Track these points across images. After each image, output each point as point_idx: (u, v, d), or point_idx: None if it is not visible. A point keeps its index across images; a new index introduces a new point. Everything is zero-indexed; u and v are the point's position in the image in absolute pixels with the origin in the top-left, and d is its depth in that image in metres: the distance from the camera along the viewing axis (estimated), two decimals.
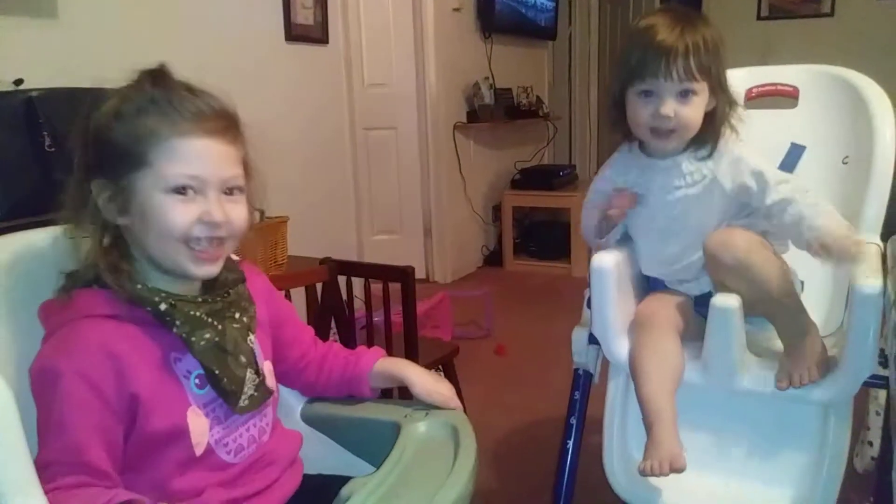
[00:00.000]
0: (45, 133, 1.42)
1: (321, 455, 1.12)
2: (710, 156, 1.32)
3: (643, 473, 1.17)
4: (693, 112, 1.27)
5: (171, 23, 2.28)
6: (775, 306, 1.25)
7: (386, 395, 1.17)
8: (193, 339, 0.90)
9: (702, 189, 1.32)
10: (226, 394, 0.92)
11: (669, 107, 1.25)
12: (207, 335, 0.91)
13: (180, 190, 0.88)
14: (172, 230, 0.88)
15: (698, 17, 1.28)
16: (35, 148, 1.42)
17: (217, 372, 0.91)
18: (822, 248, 1.15)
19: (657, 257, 1.41)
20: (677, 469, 1.15)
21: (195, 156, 0.88)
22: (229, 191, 0.92)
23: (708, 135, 1.31)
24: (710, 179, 1.31)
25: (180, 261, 0.90)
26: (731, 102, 1.32)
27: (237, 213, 0.92)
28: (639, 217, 1.39)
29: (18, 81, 1.60)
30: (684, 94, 1.26)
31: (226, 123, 0.92)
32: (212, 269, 0.93)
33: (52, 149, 1.40)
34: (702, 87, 1.27)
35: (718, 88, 1.29)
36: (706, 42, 1.24)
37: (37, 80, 1.54)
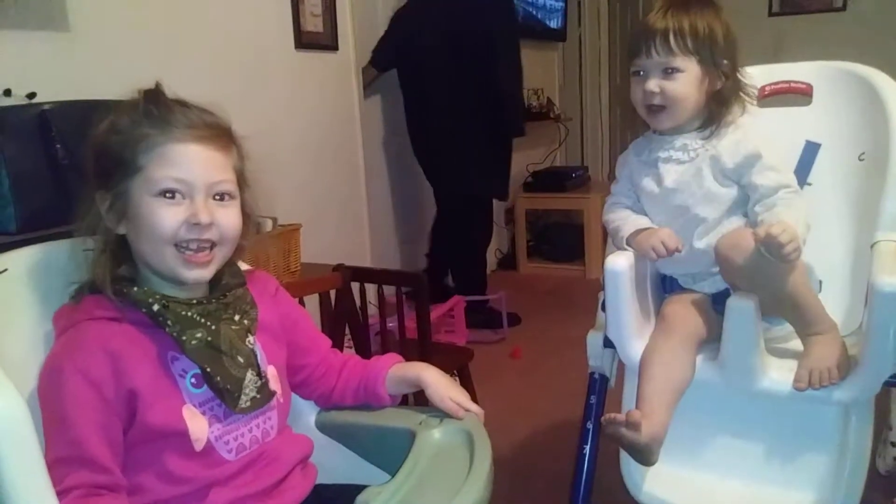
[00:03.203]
0: (59, 146, 1.43)
1: (336, 464, 1.12)
2: (712, 134, 1.34)
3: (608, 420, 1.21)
4: (680, 88, 1.31)
5: (182, 35, 2.29)
6: (792, 306, 1.24)
7: (400, 401, 1.17)
8: (185, 338, 0.92)
9: (691, 164, 1.34)
10: (221, 392, 0.94)
11: (653, 82, 1.32)
12: (199, 335, 0.93)
13: (168, 193, 0.91)
14: (161, 233, 0.90)
15: (699, 3, 1.32)
16: (48, 161, 1.43)
17: (210, 370, 0.93)
18: (756, 234, 1.15)
19: None
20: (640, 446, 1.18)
21: (183, 160, 0.91)
22: (220, 196, 0.95)
23: (714, 115, 1.35)
24: (711, 156, 1.32)
25: (171, 264, 0.92)
26: (737, 84, 1.35)
27: (227, 217, 0.95)
28: (651, 197, 1.40)
29: (31, 95, 1.62)
30: (669, 71, 1.31)
31: (216, 132, 0.95)
32: (202, 273, 0.95)
33: (66, 161, 1.41)
34: (688, 64, 1.30)
35: (713, 68, 1.32)
36: (693, 25, 1.29)
37: (49, 93, 1.55)
